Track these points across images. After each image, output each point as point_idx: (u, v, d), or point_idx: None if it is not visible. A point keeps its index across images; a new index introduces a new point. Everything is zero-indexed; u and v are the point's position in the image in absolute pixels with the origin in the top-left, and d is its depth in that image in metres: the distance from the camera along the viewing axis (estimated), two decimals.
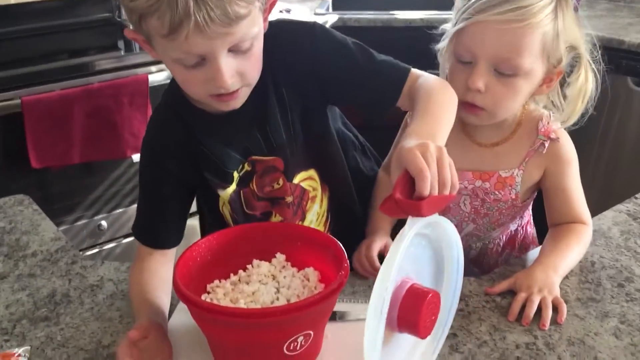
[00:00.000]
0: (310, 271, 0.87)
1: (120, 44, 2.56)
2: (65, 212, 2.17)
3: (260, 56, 0.89)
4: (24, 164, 1.98)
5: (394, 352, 0.75)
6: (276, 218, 1.06)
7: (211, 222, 1.13)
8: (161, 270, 0.98)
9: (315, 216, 1.09)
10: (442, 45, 1.07)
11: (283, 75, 0.98)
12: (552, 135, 1.05)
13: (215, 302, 0.82)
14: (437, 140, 0.79)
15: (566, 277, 0.99)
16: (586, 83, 1.01)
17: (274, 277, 0.87)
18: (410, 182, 0.70)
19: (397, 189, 0.70)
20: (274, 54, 0.95)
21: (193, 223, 2.45)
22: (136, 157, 2.22)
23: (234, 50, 0.83)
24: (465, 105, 1.00)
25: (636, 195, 1.23)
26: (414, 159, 0.69)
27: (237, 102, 0.91)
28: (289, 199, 1.05)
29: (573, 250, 1.02)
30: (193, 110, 0.97)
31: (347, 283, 0.95)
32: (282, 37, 0.96)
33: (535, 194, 1.14)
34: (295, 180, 1.05)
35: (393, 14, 2.61)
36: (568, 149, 1.07)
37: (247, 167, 1.02)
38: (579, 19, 1.01)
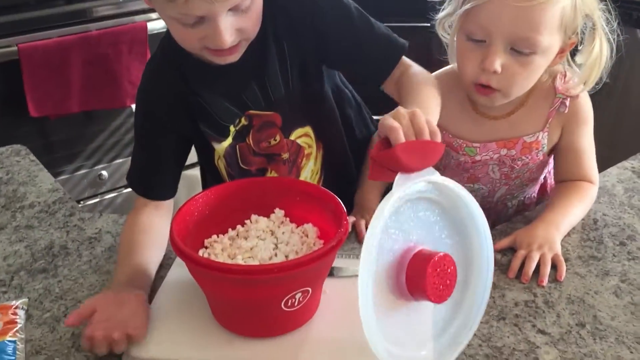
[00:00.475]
0: (309, 227, 0.86)
1: None
2: (65, 161, 2.16)
3: (260, 11, 0.88)
4: (23, 113, 1.96)
5: (410, 321, 0.73)
6: (271, 174, 1.05)
7: (208, 176, 1.12)
8: (155, 223, 0.97)
9: (309, 173, 1.08)
10: (443, 15, 1.02)
11: (284, 28, 0.95)
12: (573, 92, 1.01)
13: (212, 257, 0.81)
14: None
15: (568, 234, 0.98)
16: (601, 53, 0.96)
17: (272, 233, 0.86)
18: (388, 144, 0.71)
19: (374, 148, 0.72)
20: (276, 6, 0.93)
21: (195, 173, 2.45)
22: (135, 107, 2.19)
23: (234, 9, 0.82)
24: (477, 87, 0.97)
25: None
26: (385, 120, 0.72)
27: (235, 57, 0.89)
28: (285, 155, 1.03)
29: (576, 208, 1.01)
30: (190, 61, 0.95)
31: (345, 239, 0.95)
32: None
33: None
34: (292, 137, 1.03)
35: None
36: (587, 108, 1.04)
37: (244, 121, 1.00)
38: None
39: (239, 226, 0.88)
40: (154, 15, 2.12)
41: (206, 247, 0.85)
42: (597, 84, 1.00)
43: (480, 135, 1.06)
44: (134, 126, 1.03)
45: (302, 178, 1.07)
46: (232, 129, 1.00)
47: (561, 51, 0.97)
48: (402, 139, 0.70)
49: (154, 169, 1.01)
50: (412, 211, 0.72)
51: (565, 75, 1.03)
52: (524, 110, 1.04)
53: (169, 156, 1.01)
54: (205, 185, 1.19)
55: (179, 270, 0.90)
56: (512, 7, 0.88)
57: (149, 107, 1.00)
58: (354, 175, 1.13)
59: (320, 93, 1.03)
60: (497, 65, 0.91)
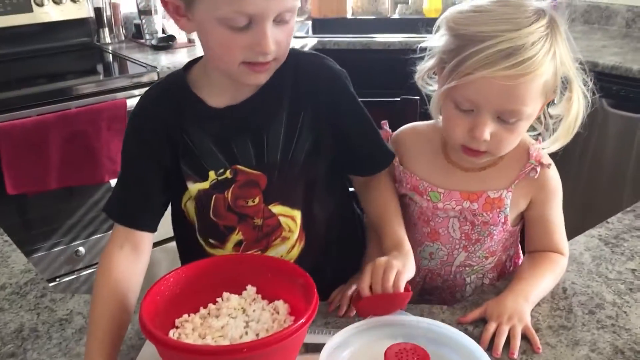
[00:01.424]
0: (280, 304, 0.87)
1: (99, 68, 2.57)
2: (42, 238, 2.15)
3: (292, 33, 0.92)
4: (0, 191, 1.96)
5: None
6: (237, 236, 1.03)
7: (175, 220, 1.10)
8: (129, 273, 0.94)
9: (277, 256, 1.04)
10: (423, 69, 1.06)
11: (308, 100, 1.00)
12: (544, 161, 1.04)
13: (183, 337, 0.81)
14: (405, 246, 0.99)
15: (538, 304, 1.00)
16: (579, 106, 1.00)
17: (244, 311, 0.87)
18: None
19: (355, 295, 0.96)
20: (306, 78, 1.00)
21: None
22: (114, 182, 2.19)
23: (277, 20, 0.86)
24: (466, 150, 1.00)
25: (608, 220, 1.24)
26: (362, 276, 0.93)
27: (265, 77, 0.93)
28: (258, 221, 1.02)
29: (546, 279, 1.02)
30: (191, 97, 0.97)
31: (318, 314, 0.95)
32: (317, 67, 1.02)
33: (522, 223, 1.13)
34: (273, 209, 1.02)
35: (372, 37, 2.64)
36: (557, 179, 1.07)
37: (228, 174, 0.99)
38: (571, 44, 0.98)
39: (210, 304, 0.88)
40: (135, 92, 2.17)
41: (177, 327, 0.85)
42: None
43: (447, 184, 1.07)
44: (121, 152, 1.02)
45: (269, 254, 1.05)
46: (212, 174, 0.99)
47: (541, 106, 1.00)
48: (365, 292, 0.91)
49: (136, 195, 0.99)
50: None
51: (540, 142, 1.06)
52: (495, 169, 1.07)
53: (153, 184, 1.00)
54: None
55: (150, 349, 0.89)
56: (500, 85, 0.91)
57: (138, 130, 1.00)
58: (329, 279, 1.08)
59: (320, 175, 1.05)
60: (487, 134, 0.95)
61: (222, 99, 0.98)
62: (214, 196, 1.01)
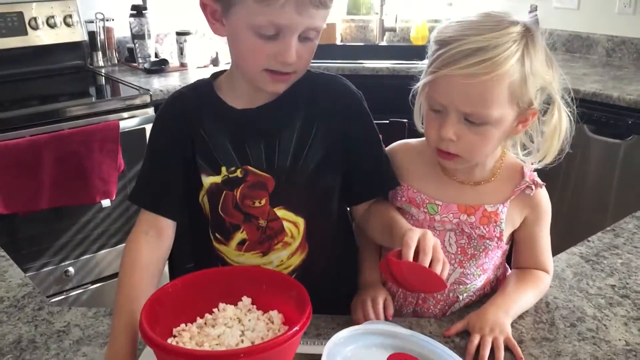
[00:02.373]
0: (274, 314, 0.90)
1: (92, 90, 2.60)
2: (32, 258, 2.16)
3: (314, 51, 0.99)
4: None
5: None
6: (241, 234, 1.07)
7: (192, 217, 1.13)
8: (155, 258, 1.02)
9: (277, 261, 1.08)
10: (417, 87, 1.08)
11: (323, 115, 1.05)
12: (538, 181, 1.07)
13: (181, 345, 0.84)
14: None
15: (521, 317, 1.03)
16: (560, 122, 1.01)
17: (239, 320, 0.89)
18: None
19: (394, 254, 0.88)
20: (324, 95, 1.06)
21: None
22: (105, 203, 2.22)
23: (302, 35, 0.93)
24: (440, 152, 1.03)
25: (588, 239, 1.29)
26: (407, 233, 0.89)
27: (284, 86, 1.00)
28: (263, 222, 1.06)
29: (528, 294, 1.05)
30: (213, 97, 1.06)
31: (311, 325, 0.98)
32: (336, 86, 1.09)
33: (510, 243, 1.15)
34: (278, 212, 1.06)
35: (361, 63, 2.70)
36: (548, 200, 1.10)
37: (238, 173, 1.04)
38: (550, 59, 1.00)
39: (207, 314, 0.91)
40: (125, 114, 2.21)
41: (174, 336, 0.87)
42: (559, 154, 1.04)
43: (444, 196, 1.09)
44: (147, 143, 1.09)
45: (268, 259, 1.08)
46: (223, 169, 1.04)
47: (524, 120, 1.01)
48: (410, 258, 0.85)
49: (161, 183, 1.06)
50: None
51: (532, 163, 1.07)
52: (491, 185, 1.08)
53: (175, 175, 1.06)
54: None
55: (149, 358, 0.92)
56: (460, 83, 0.94)
57: (165, 124, 1.07)
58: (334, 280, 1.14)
59: (327, 188, 1.09)
60: (451, 134, 0.98)
61: (241, 101, 1.05)
62: (224, 192, 1.06)
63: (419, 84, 1.03)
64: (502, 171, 1.09)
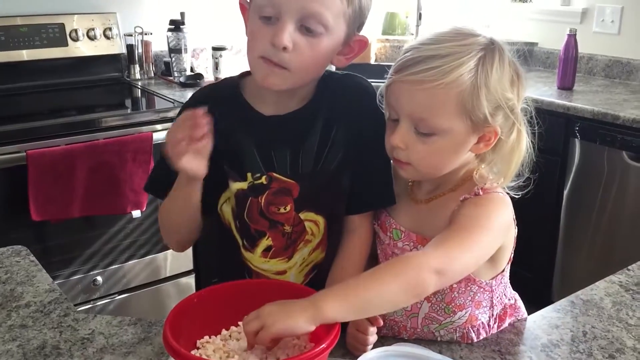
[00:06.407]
0: None
1: (128, 102, 2.64)
2: (61, 265, 2.17)
3: (321, 58, 0.97)
4: (24, 216, 2.00)
5: None
6: (267, 241, 1.06)
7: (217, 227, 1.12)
8: None
9: (300, 260, 1.07)
10: (380, 94, 1.05)
11: (341, 116, 1.05)
12: (478, 192, 0.96)
13: (204, 357, 0.82)
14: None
15: (557, 345, 0.99)
16: (518, 144, 0.96)
17: None
18: None
19: None
20: (341, 96, 1.05)
21: (189, 281, 2.45)
22: (136, 214, 2.24)
23: (302, 24, 0.92)
24: (394, 161, 1.00)
25: (628, 267, 1.24)
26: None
27: (277, 82, 0.96)
28: (288, 228, 1.05)
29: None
30: (240, 101, 1.05)
31: (339, 344, 0.95)
32: (352, 83, 1.08)
33: (503, 274, 1.03)
34: (302, 216, 1.05)
35: None
36: (482, 206, 0.95)
37: (263, 180, 1.03)
38: (518, 80, 0.96)
39: (232, 327, 0.89)
40: (159, 126, 2.23)
41: (198, 348, 0.86)
42: (517, 177, 0.99)
43: (408, 223, 1.03)
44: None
45: (292, 262, 1.07)
46: (249, 176, 1.04)
47: (487, 139, 0.96)
48: None
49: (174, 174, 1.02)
50: None
51: (495, 184, 0.98)
52: (441, 200, 1.01)
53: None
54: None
55: None
56: (408, 90, 0.93)
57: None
58: None
59: (346, 188, 1.07)
60: (398, 141, 0.95)
61: (269, 108, 1.04)
62: (250, 199, 1.05)
63: (379, 90, 1.02)
64: (462, 188, 1.00)
